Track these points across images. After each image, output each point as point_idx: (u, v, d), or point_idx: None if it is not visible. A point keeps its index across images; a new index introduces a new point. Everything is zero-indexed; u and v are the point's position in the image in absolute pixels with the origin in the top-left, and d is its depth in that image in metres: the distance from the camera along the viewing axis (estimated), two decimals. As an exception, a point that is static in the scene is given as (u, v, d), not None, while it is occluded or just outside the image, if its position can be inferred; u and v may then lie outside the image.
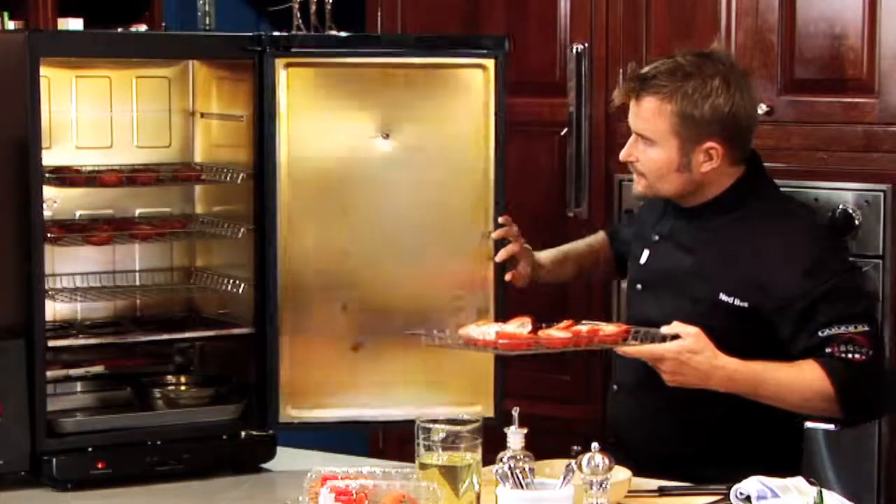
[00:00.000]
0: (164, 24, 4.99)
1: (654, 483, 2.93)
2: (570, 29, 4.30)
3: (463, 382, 3.28)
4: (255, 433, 3.21)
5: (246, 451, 3.20)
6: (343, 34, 3.34)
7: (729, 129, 3.13)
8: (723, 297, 3.10)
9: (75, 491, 3.02)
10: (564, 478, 2.55)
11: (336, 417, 3.28)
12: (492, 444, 2.70)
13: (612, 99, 3.29)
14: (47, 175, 3.12)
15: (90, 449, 3.05)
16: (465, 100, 3.28)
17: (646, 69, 3.18)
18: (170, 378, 3.39)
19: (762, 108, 3.79)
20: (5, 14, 4.74)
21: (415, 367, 3.26)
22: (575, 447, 2.74)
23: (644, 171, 3.20)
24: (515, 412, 2.67)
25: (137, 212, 3.44)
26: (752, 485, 2.74)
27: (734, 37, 4.01)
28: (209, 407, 3.25)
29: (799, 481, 2.75)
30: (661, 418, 3.19)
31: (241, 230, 3.25)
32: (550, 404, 4.25)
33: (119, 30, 4.65)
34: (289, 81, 3.20)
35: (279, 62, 3.18)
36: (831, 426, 3.65)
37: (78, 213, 3.38)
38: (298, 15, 3.42)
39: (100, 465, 3.04)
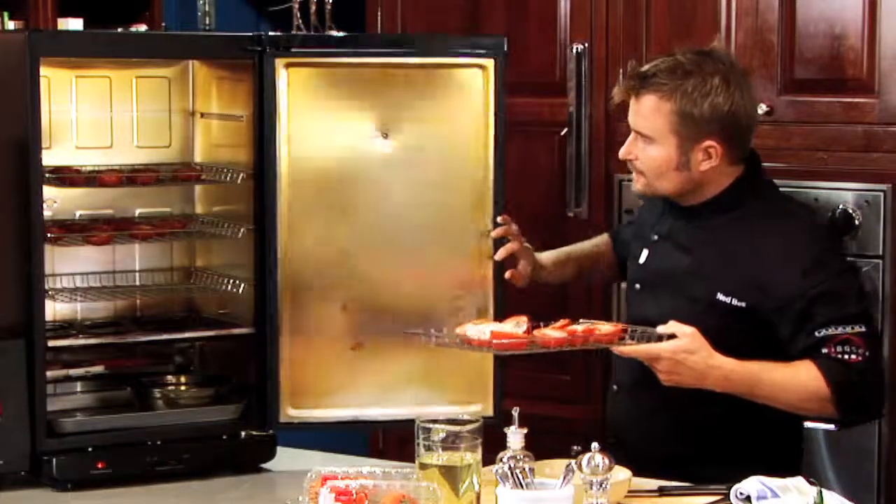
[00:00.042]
0: (164, 24, 4.99)
1: (654, 483, 2.93)
2: (570, 29, 4.30)
3: (463, 382, 3.28)
4: (255, 433, 3.21)
5: (246, 451, 3.20)
6: (343, 34, 3.34)
7: (728, 128, 3.13)
8: (720, 296, 3.10)
9: (75, 491, 3.02)
10: (564, 478, 2.55)
11: (336, 417, 3.28)
12: (492, 444, 2.70)
13: (611, 96, 3.29)
14: (47, 175, 3.12)
15: (90, 449, 3.05)
16: (464, 100, 3.28)
17: (646, 67, 3.18)
18: (170, 378, 3.38)
19: (762, 108, 3.79)
20: (5, 14, 4.74)
21: (415, 367, 3.26)
22: (575, 447, 2.74)
23: (643, 169, 3.20)
24: (515, 412, 2.67)
25: (137, 212, 3.44)
26: (752, 485, 2.74)
27: (734, 37, 4.01)
28: (209, 407, 3.25)
29: (799, 481, 2.76)
30: (660, 418, 3.19)
31: (241, 230, 3.25)
32: (550, 404, 4.25)
33: (119, 30, 4.65)
34: (289, 81, 3.20)
35: (279, 62, 3.18)
36: (831, 426, 3.64)
37: (78, 213, 3.38)
38: (298, 15, 3.42)
39: (100, 465, 3.04)
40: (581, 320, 3.09)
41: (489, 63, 3.26)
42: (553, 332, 3.01)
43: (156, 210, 3.45)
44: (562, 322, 3.05)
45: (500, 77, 3.26)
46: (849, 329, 3.03)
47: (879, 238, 3.84)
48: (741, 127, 3.16)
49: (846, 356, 3.02)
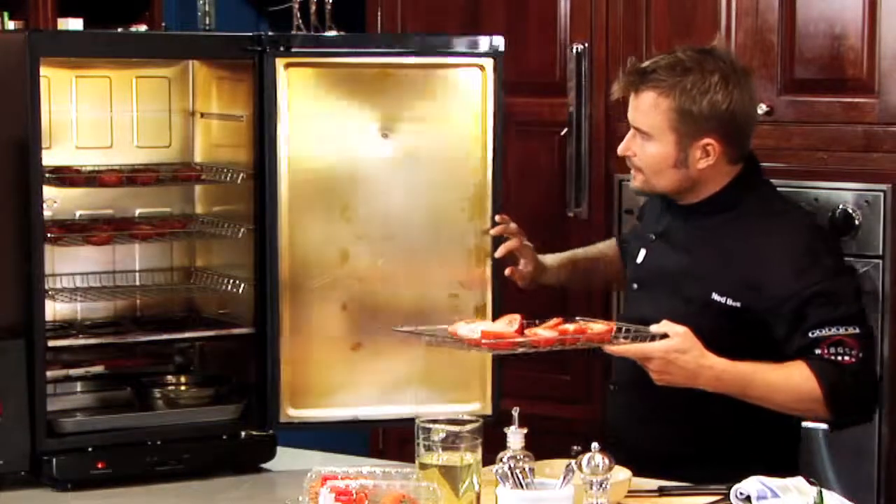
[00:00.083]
0: (164, 24, 4.99)
1: (654, 483, 2.93)
2: (570, 29, 4.30)
3: (462, 381, 3.29)
4: (255, 433, 3.21)
5: (246, 451, 3.20)
6: (343, 34, 3.34)
7: (726, 126, 3.13)
8: (715, 296, 3.10)
9: (75, 491, 3.02)
10: (564, 478, 2.55)
11: (336, 417, 3.29)
12: (492, 444, 2.69)
13: (611, 92, 3.29)
14: (47, 175, 3.12)
15: (90, 449, 3.05)
16: (463, 100, 3.28)
17: (646, 63, 3.18)
18: (170, 378, 3.39)
19: (762, 108, 3.79)
20: (5, 14, 4.74)
21: (414, 366, 3.26)
22: (575, 447, 2.74)
23: (641, 165, 3.20)
24: (515, 412, 2.67)
25: (137, 212, 3.44)
26: (752, 485, 2.74)
27: (734, 37, 4.01)
28: (209, 407, 3.25)
29: (799, 481, 2.75)
30: (659, 418, 3.18)
31: (241, 230, 3.25)
32: (550, 404, 4.25)
33: (119, 30, 4.65)
34: (289, 81, 3.20)
35: (279, 62, 3.18)
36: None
37: (78, 213, 3.38)
38: (298, 15, 3.42)
39: (100, 465, 3.04)
40: (577, 318, 3.08)
41: (488, 63, 3.26)
42: (544, 332, 3.00)
43: (156, 210, 3.45)
44: (554, 321, 3.04)
45: (498, 77, 3.26)
46: (842, 330, 3.03)
47: (879, 238, 3.84)
48: (740, 126, 3.16)
49: (839, 357, 3.02)
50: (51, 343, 3.09)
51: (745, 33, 4.00)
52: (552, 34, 4.33)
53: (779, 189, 3.30)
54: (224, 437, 3.19)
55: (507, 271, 3.32)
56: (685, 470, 2.99)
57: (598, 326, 3.04)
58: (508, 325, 3.01)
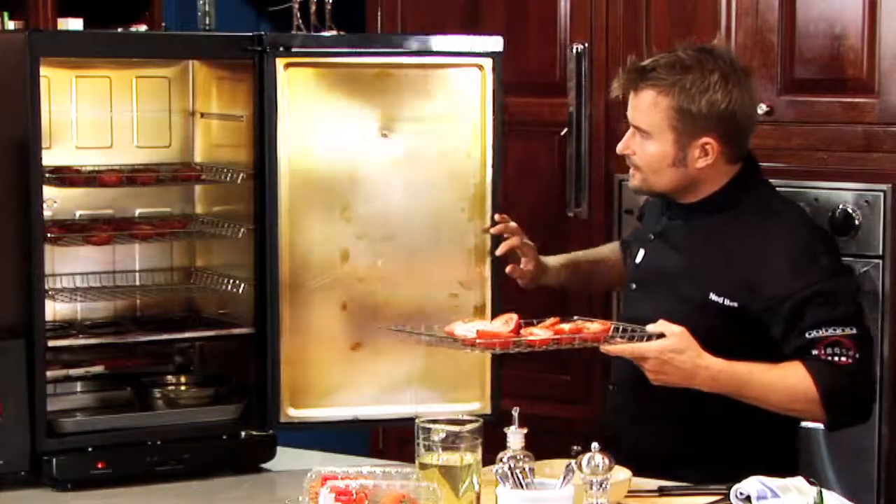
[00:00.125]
0: (164, 24, 4.99)
1: (654, 483, 2.93)
2: (570, 29, 4.30)
3: (462, 381, 3.29)
4: (255, 433, 3.21)
5: (246, 451, 3.20)
6: (343, 34, 3.34)
7: (725, 125, 3.13)
8: (713, 296, 3.10)
9: (75, 491, 3.02)
10: (564, 478, 2.55)
11: (336, 417, 3.29)
12: (492, 444, 2.69)
13: (611, 89, 3.29)
14: (47, 175, 3.12)
15: (90, 449, 3.05)
16: (463, 99, 3.28)
17: (646, 61, 3.18)
18: (170, 378, 3.39)
19: (762, 108, 3.79)
20: (5, 14, 4.74)
21: (414, 366, 3.26)
22: (575, 447, 2.74)
23: (640, 164, 3.19)
24: (515, 412, 2.67)
25: (137, 212, 3.44)
26: (752, 485, 2.74)
27: (734, 37, 4.01)
28: (209, 407, 3.25)
29: (799, 481, 2.75)
30: (657, 418, 3.18)
31: (241, 230, 3.25)
32: (550, 404, 4.25)
33: (119, 30, 4.65)
34: (289, 81, 3.20)
35: (279, 62, 3.18)
36: (828, 427, 3.65)
37: (78, 213, 3.38)
38: (298, 15, 3.42)
39: (100, 465, 3.04)
40: (575, 317, 3.08)
41: (486, 63, 3.27)
42: (540, 332, 3.01)
43: (156, 210, 3.45)
44: (551, 321, 3.05)
45: (497, 77, 3.26)
46: (839, 331, 3.02)
47: (879, 238, 3.84)
48: (739, 125, 3.16)
49: (836, 358, 3.01)
50: (51, 343, 3.09)
51: (745, 33, 4.00)
52: (552, 34, 4.33)
53: (779, 189, 3.30)
54: (224, 437, 3.19)
55: (507, 269, 3.32)
56: (685, 470, 2.99)
57: (594, 326, 3.04)
58: (505, 324, 3.01)
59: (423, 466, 2.66)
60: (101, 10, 4.77)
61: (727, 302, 3.09)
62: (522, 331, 3.01)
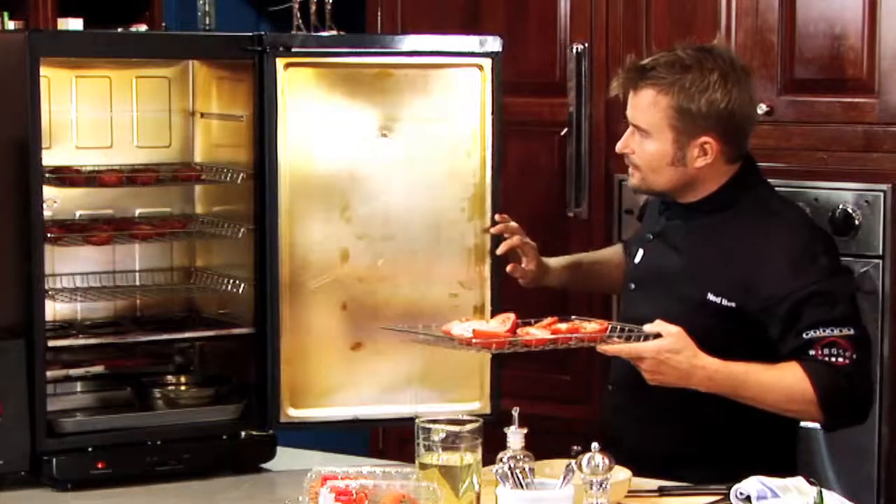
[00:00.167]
0: (164, 24, 5.00)
1: (654, 483, 2.93)
2: (570, 29, 4.30)
3: (462, 381, 3.29)
4: (255, 433, 3.21)
5: (246, 451, 3.20)
6: (343, 34, 3.34)
7: (725, 125, 3.13)
8: (711, 297, 3.10)
9: (75, 491, 3.02)
10: (564, 478, 2.55)
11: (336, 417, 3.28)
12: (492, 444, 2.69)
13: (610, 88, 3.29)
14: (47, 175, 3.12)
15: (90, 449, 3.05)
16: (463, 99, 3.29)
17: (645, 60, 3.18)
18: (170, 378, 3.38)
19: (762, 108, 3.79)
20: (5, 14, 4.74)
21: (414, 366, 3.26)
22: (575, 447, 2.74)
23: (639, 163, 3.19)
24: (515, 412, 2.67)
25: (137, 212, 3.44)
26: (752, 485, 2.74)
27: (734, 37, 4.01)
28: (209, 407, 3.25)
29: (799, 481, 2.75)
30: (655, 418, 3.18)
31: (241, 230, 3.25)
32: (550, 404, 4.25)
33: (119, 30, 4.65)
34: (289, 81, 3.20)
35: (279, 62, 3.18)
36: (828, 427, 3.65)
37: (78, 213, 3.38)
38: (298, 15, 3.42)
39: (100, 465, 3.04)
40: (573, 317, 3.08)
41: (486, 63, 3.27)
42: (537, 331, 3.01)
43: (156, 210, 3.45)
44: (548, 320, 3.05)
45: (496, 77, 3.26)
46: (836, 332, 3.02)
47: (879, 238, 3.84)
48: (738, 125, 3.15)
49: (833, 359, 3.01)
50: (51, 343, 3.09)
51: (745, 33, 4.00)
52: (552, 34, 4.33)
53: (778, 189, 3.30)
54: (224, 437, 3.19)
55: (508, 268, 3.32)
56: (685, 470, 2.99)
57: (591, 326, 3.04)
58: (502, 324, 3.02)
59: (423, 466, 2.66)
60: (101, 10, 4.78)
61: (725, 302, 3.08)
62: (519, 330, 3.01)
